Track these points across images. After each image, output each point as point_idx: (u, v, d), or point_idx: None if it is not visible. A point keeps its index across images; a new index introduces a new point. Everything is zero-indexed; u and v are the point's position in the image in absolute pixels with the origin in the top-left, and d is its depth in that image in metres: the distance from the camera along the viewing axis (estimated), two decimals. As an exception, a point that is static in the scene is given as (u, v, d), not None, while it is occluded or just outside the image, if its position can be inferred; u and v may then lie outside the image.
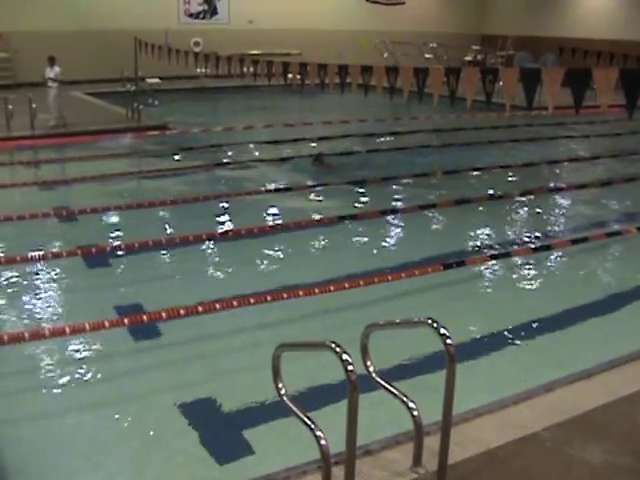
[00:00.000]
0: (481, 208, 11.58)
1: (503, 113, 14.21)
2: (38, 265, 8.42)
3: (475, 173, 14.01)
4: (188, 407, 5.65)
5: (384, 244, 9.91)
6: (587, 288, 8.49)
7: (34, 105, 15.91)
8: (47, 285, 8.12)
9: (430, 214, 11.03)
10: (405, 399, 4.21)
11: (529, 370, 6.25)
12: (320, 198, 11.94)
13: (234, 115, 21.28)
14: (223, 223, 10.35)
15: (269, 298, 7.00)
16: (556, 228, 10.98)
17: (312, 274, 8.36)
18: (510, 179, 13.75)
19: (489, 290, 8.52)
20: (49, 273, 8.37)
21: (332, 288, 7.39)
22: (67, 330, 6.17)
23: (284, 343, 4.23)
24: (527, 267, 9.06)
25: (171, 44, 20.95)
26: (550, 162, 15.35)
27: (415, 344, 6.32)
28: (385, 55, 28.60)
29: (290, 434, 5.02)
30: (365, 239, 10.11)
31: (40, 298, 7.75)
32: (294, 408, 4.02)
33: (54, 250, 8.81)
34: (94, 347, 6.54)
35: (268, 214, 10.89)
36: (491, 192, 12.34)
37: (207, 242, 9.42)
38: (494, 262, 8.97)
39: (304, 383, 5.78)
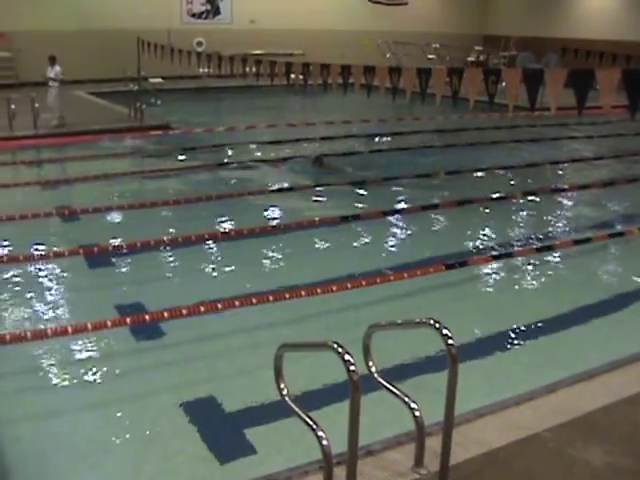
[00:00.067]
0: (483, 209, 11.58)
1: (506, 114, 14.18)
2: (40, 264, 8.43)
3: (478, 174, 14.00)
4: (190, 407, 5.65)
5: (386, 244, 9.91)
6: (589, 289, 8.49)
7: (37, 105, 15.93)
8: (49, 284, 8.12)
9: (433, 214, 11.02)
10: (407, 399, 4.21)
11: (531, 371, 6.25)
12: (322, 198, 11.93)
13: (236, 115, 21.27)
14: (225, 223, 10.35)
15: (271, 298, 6.99)
16: (558, 229, 10.97)
17: (314, 274, 8.35)
18: (512, 180, 13.75)
19: (491, 290, 8.52)
20: (51, 272, 8.38)
21: (334, 288, 7.39)
22: (69, 329, 6.17)
23: (286, 343, 4.23)
24: (529, 267, 9.05)
25: (174, 44, 20.96)
26: (553, 163, 15.34)
27: (417, 344, 6.31)
28: (387, 55, 28.60)
29: (292, 434, 5.02)
30: (367, 239, 10.11)
31: (42, 297, 7.76)
32: (296, 408, 4.02)
33: (56, 249, 8.81)
34: (96, 347, 6.54)
35: (270, 214, 10.90)
36: (494, 193, 12.32)
37: (209, 242, 9.42)
38: (496, 262, 8.96)
39: (306, 383, 5.77)
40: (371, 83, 13.10)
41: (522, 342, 6.91)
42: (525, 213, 11.70)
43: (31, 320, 7.13)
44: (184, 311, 6.67)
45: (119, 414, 5.57)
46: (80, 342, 6.52)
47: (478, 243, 9.93)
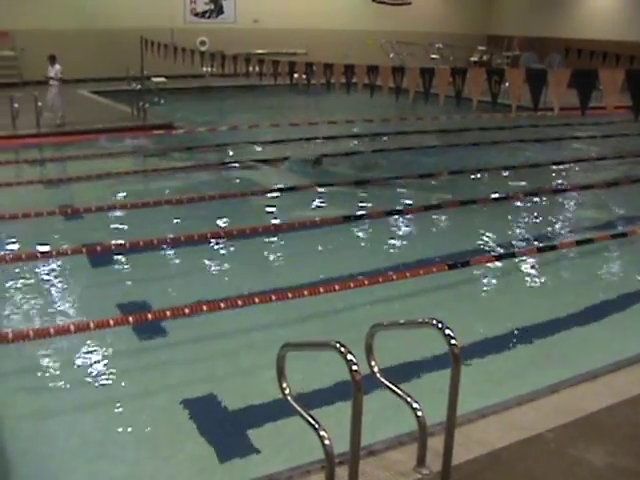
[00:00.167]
0: (486, 208, 11.57)
1: (509, 114, 14.18)
2: (43, 263, 8.44)
3: (481, 174, 13.99)
4: (192, 405, 5.65)
5: (389, 244, 9.90)
6: (592, 289, 8.48)
7: (40, 103, 15.96)
8: (52, 283, 8.14)
9: (435, 214, 11.01)
10: (409, 399, 4.21)
11: (534, 371, 6.25)
12: (325, 198, 11.93)
13: (239, 114, 21.28)
14: (227, 222, 10.35)
15: (274, 297, 6.99)
16: (561, 229, 10.96)
17: (317, 274, 8.37)
18: (515, 180, 13.72)
19: (494, 290, 8.51)
20: (54, 271, 8.39)
21: (337, 287, 7.39)
22: (72, 328, 6.18)
23: (288, 343, 4.23)
24: (532, 267, 9.05)
25: (177, 43, 20.96)
26: (556, 163, 15.32)
27: (419, 344, 6.31)
28: (391, 55, 28.60)
29: (294, 434, 5.02)
30: (370, 239, 10.12)
31: (45, 296, 7.77)
32: (298, 408, 4.02)
33: (59, 248, 8.81)
34: (98, 345, 6.54)
35: (272, 213, 10.89)
36: (496, 193, 12.31)
37: (212, 241, 9.42)
38: (499, 262, 8.95)
39: (308, 383, 5.77)
40: (374, 83, 13.09)
41: (525, 342, 6.90)
42: (527, 213, 11.68)
43: (34, 319, 7.13)
44: (187, 310, 6.67)
45: (121, 413, 5.58)
46: (82, 341, 6.51)
47: (481, 243, 9.92)
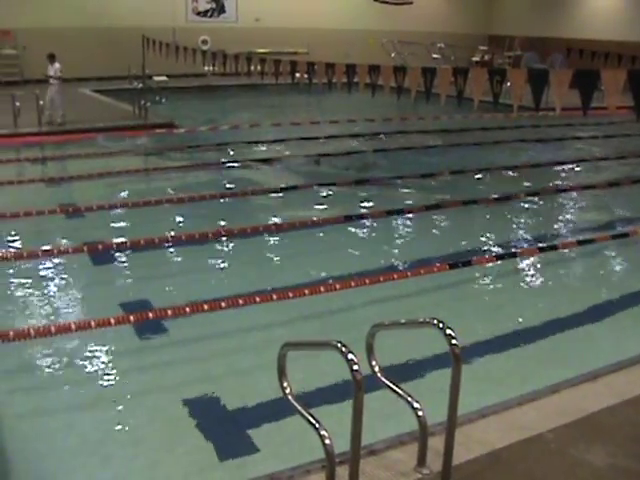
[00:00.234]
0: (488, 208, 11.57)
1: (510, 114, 14.19)
2: (44, 261, 8.44)
3: (482, 174, 13.98)
4: (192, 404, 5.65)
5: (390, 244, 9.90)
6: (594, 289, 8.48)
7: (41, 102, 15.97)
8: (53, 281, 8.14)
9: (437, 214, 11.00)
10: (410, 399, 4.21)
11: (535, 371, 6.24)
12: (326, 197, 11.92)
13: (241, 113, 21.29)
14: (229, 221, 10.34)
15: (275, 297, 7.00)
16: (563, 229, 10.95)
17: (318, 273, 8.38)
18: (517, 180, 13.72)
19: (495, 290, 8.50)
20: (55, 269, 8.39)
21: (338, 287, 7.40)
22: (72, 327, 6.18)
23: (289, 342, 4.23)
24: (534, 267, 9.05)
25: (179, 42, 20.96)
26: (557, 163, 15.31)
27: (420, 344, 6.30)
28: (392, 55, 28.61)
29: (295, 433, 5.02)
30: (371, 239, 10.12)
31: (46, 294, 7.78)
32: (299, 407, 4.02)
33: (60, 246, 8.82)
34: (99, 344, 6.54)
35: (273, 213, 10.89)
36: (498, 192, 12.30)
37: (213, 240, 9.42)
38: (500, 262, 8.94)
39: (309, 382, 5.77)
40: (376, 82, 13.10)
41: (526, 342, 6.89)
42: (529, 213, 11.68)
43: (35, 317, 7.13)
44: (187, 309, 6.67)
45: (122, 411, 5.58)
46: (84, 339, 6.51)
47: (482, 243, 9.92)
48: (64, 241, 9.26)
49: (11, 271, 8.21)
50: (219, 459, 4.98)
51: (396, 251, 9.61)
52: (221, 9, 28.73)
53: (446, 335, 3.91)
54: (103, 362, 6.29)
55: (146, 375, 6.19)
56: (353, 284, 7.47)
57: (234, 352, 6.64)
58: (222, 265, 8.95)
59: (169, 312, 6.70)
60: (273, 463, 4.65)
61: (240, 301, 6.84)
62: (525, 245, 9.86)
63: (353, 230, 10.20)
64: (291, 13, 29.09)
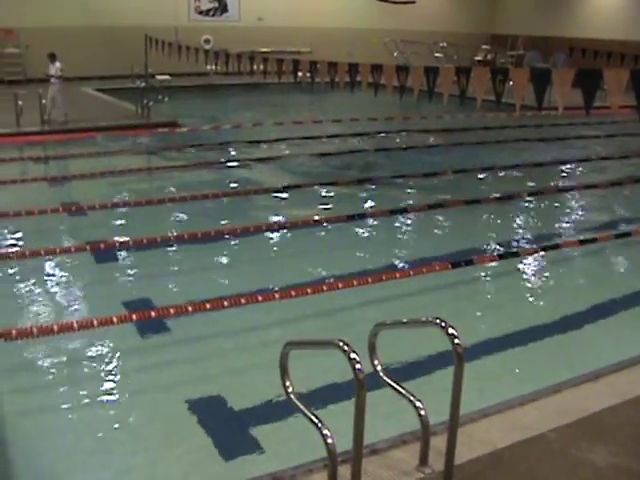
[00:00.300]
0: (490, 208, 11.56)
1: (513, 113, 14.16)
2: (47, 260, 8.45)
3: (484, 173, 13.98)
4: (195, 404, 5.66)
5: (392, 243, 9.89)
6: (596, 289, 8.47)
7: (44, 101, 15.99)
8: (56, 280, 8.14)
9: (439, 213, 11.00)
10: (412, 398, 4.21)
11: (537, 371, 6.24)
12: (328, 196, 11.92)
13: (243, 112, 21.31)
14: (231, 220, 10.35)
15: (277, 296, 7.00)
16: (565, 228, 10.94)
17: (320, 272, 8.38)
18: (519, 179, 13.71)
19: (497, 289, 8.50)
20: (58, 268, 8.39)
21: (340, 286, 7.40)
22: (75, 325, 6.19)
23: (292, 341, 4.23)
24: (536, 267, 9.04)
25: (181, 41, 20.98)
26: (560, 162, 15.31)
27: (423, 343, 6.30)
28: (395, 54, 28.61)
29: (297, 432, 5.02)
30: (373, 238, 10.12)
31: (49, 293, 7.78)
32: (301, 406, 4.02)
33: (63, 245, 8.83)
34: (101, 342, 6.55)
35: (276, 212, 10.90)
36: (500, 192, 12.29)
37: (215, 239, 9.42)
38: (502, 261, 8.94)
39: (311, 381, 5.77)
40: (378, 81, 13.09)
41: (528, 342, 6.88)
42: (531, 212, 11.67)
43: (37, 316, 7.14)
44: (190, 308, 6.67)
45: (124, 410, 5.59)
46: (86, 338, 6.52)
47: (484, 242, 9.91)
48: (67, 240, 9.28)
49: (14, 270, 8.22)
50: (222, 457, 4.98)
51: (398, 250, 9.60)
52: (224, 8, 28.73)
53: (449, 334, 3.91)
54: (104, 361, 6.29)
55: (148, 374, 6.19)
56: (355, 283, 7.48)
57: (236, 351, 6.64)
58: (224, 264, 8.96)
59: (171, 311, 6.71)
60: (276, 462, 4.65)
61: (242, 300, 6.84)
62: (527, 244, 9.85)
63: (355, 229, 10.20)
64: (294, 12, 29.08)
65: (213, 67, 20.13)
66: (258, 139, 16.48)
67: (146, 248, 8.86)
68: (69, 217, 10.29)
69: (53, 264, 8.44)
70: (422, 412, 4.16)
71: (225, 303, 6.77)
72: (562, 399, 5.19)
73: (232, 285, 8.00)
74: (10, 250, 8.67)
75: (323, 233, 9.98)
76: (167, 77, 23.69)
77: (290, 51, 24.29)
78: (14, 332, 5.97)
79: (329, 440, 3.76)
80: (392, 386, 4.37)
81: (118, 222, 10.10)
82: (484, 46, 31.49)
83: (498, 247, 9.66)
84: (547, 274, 8.95)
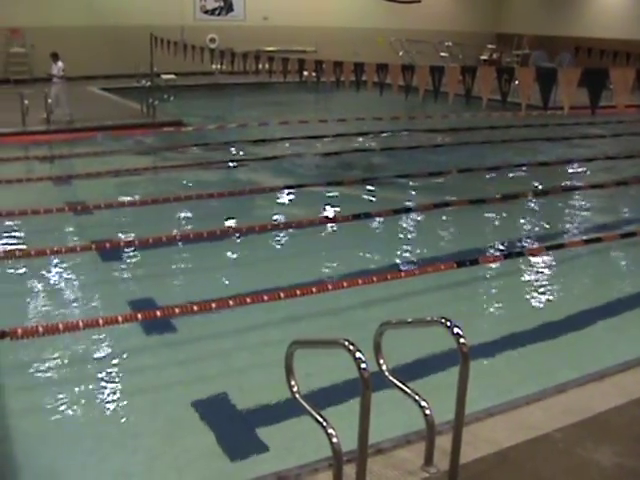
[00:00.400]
0: (495, 207, 11.54)
1: (518, 112, 14.15)
2: (52, 259, 8.46)
3: (490, 172, 13.96)
4: (201, 403, 5.66)
5: (397, 242, 9.88)
6: (601, 289, 8.46)
7: (50, 100, 16.01)
8: (61, 279, 8.16)
9: (445, 213, 10.99)
10: (417, 398, 4.21)
11: (542, 370, 6.23)
12: (334, 196, 11.92)
13: (249, 112, 21.31)
14: (237, 220, 10.36)
15: (282, 295, 7.00)
16: (570, 228, 10.92)
17: (326, 271, 8.38)
18: (525, 178, 13.70)
19: (502, 289, 8.49)
20: (63, 267, 8.41)
21: (345, 285, 7.40)
22: (81, 325, 6.20)
23: (297, 340, 4.23)
24: (541, 266, 9.02)
25: (187, 40, 20.98)
26: (565, 162, 15.28)
27: (428, 342, 6.30)
28: (400, 53, 28.58)
29: (302, 431, 5.02)
30: (379, 237, 10.12)
31: (54, 292, 7.80)
32: (306, 406, 4.03)
33: (68, 244, 8.84)
34: (107, 342, 6.56)
35: (282, 211, 10.90)
36: (506, 191, 12.27)
37: (221, 238, 9.43)
38: (508, 261, 8.93)
39: (316, 381, 5.77)
40: (384, 81, 13.09)
41: (533, 341, 6.87)
42: (537, 212, 11.66)
43: (43, 315, 7.16)
44: (195, 307, 6.68)
45: (130, 409, 5.59)
46: (92, 337, 6.53)
47: (489, 241, 9.90)
48: (72, 239, 9.30)
49: (19, 269, 8.23)
50: (229, 457, 4.99)
51: (404, 249, 9.60)
52: (229, 7, 28.74)
53: (454, 334, 3.91)
54: (110, 360, 6.31)
55: (154, 372, 6.20)
56: (361, 282, 7.48)
57: (238, 350, 6.64)
58: (230, 263, 8.96)
59: (177, 310, 6.72)
60: (281, 461, 4.66)
61: (248, 299, 6.85)
62: (533, 244, 9.84)
63: (361, 229, 10.20)
64: (299, 11, 29.07)
65: (218, 66, 20.12)
66: (263, 138, 16.49)
67: (152, 247, 8.87)
68: (75, 216, 10.31)
69: (59, 263, 8.45)
70: (427, 412, 4.16)
71: (231, 302, 6.78)
72: (568, 399, 5.19)
73: (237, 284, 8.00)
74: (16, 249, 8.68)
75: (329, 232, 9.98)
76: (172, 76, 23.70)
77: (295, 50, 24.28)
78: (20, 331, 5.98)
79: (334, 439, 3.76)
80: (397, 385, 4.37)
81: (124, 221, 10.12)
82: (490, 45, 31.45)
83: (503, 246, 9.65)
84: (552, 273, 8.93)
